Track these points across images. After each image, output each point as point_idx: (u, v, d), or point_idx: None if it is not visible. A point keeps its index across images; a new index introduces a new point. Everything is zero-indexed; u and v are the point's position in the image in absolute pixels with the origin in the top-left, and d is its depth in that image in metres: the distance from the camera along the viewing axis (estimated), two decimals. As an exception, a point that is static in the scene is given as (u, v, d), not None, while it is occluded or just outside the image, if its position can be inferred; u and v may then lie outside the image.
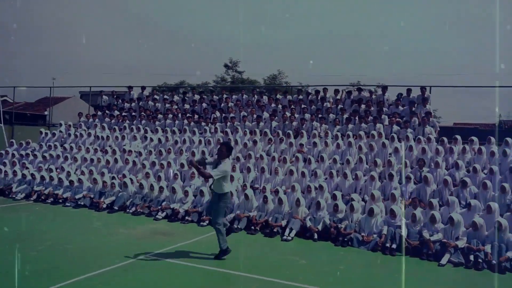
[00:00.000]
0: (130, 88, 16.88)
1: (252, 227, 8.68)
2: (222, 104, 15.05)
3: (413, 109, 12.45)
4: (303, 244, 7.87)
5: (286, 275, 6.08)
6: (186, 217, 9.42)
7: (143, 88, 16.59)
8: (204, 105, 15.34)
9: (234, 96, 15.34)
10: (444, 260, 6.86)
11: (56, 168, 12.68)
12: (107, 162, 12.71)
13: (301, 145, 11.91)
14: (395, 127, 11.97)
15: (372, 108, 12.94)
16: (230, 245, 6.73)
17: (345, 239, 7.85)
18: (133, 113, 15.66)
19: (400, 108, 12.81)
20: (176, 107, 15.57)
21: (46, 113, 28.05)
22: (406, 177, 9.63)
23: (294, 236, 8.18)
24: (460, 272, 6.56)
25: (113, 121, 15.51)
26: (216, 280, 5.90)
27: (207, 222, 8.98)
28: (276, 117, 13.57)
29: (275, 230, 8.43)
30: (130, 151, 13.09)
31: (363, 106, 13.16)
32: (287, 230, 8.24)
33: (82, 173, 11.94)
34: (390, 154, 10.92)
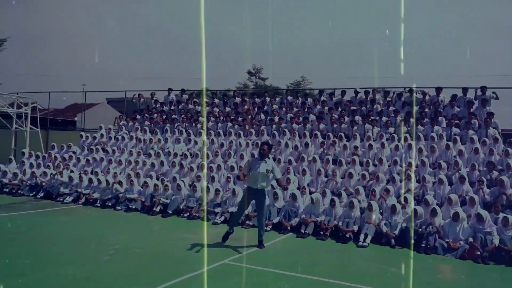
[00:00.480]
0: (170, 90, 16.63)
1: (321, 233, 8.22)
2: (266, 107, 14.68)
3: (471, 110, 11.90)
4: (383, 251, 7.37)
5: (384, 283, 5.61)
6: (247, 222, 9.00)
7: (182, 91, 16.31)
8: (246, 107, 15.00)
9: (277, 99, 14.97)
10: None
11: (101, 171, 12.44)
12: (152, 165, 12.42)
13: (356, 147, 11.43)
14: (455, 129, 11.42)
15: (426, 110, 12.41)
16: (304, 251, 6.96)
17: (428, 246, 7.32)
18: (174, 116, 15.37)
19: (456, 109, 12.27)
20: (217, 109, 15.24)
21: (76, 119, 28.08)
22: (478, 181, 9.06)
23: (369, 243, 7.68)
24: None
25: (153, 124, 15.25)
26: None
27: (270, 227, 8.59)
28: (323, 119, 13.14)
29: (347, 235, 7.95)
30: (175, 153, 12.79)
31: (415, 108, 12.65)
32: (362, 236, 7.76)
33: (129, 176, 11.63)
34: (454, 156, 10.39)
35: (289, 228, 8.58)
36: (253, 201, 7.54)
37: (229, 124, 14.04)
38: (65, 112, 29.64)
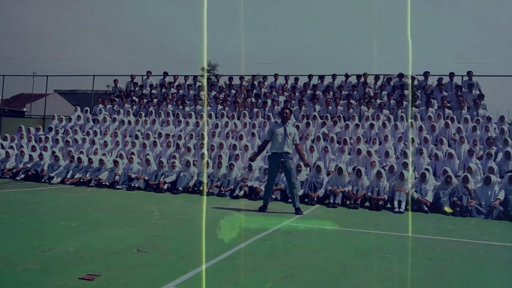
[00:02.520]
0: (149, 73, 15.78)
1: (352, 202, 8.14)
2: (255, 90, 14.42)
3: (459, 93, 12.50)
4: (420, 215, 7.42)
5: (455, 233, 5.62)
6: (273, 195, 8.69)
7: (165, 74, 15.55)
8: (233, 91, 14.65)
9: (266, 83, 14.78)
10: None
11: (83, 152, 11.48)
12: (144, 145, 11.69)
13: (357, 125, 11.56)
14: (447, 111, 11.93)
15: (418, 93, 12.87)
16: (348, 216, 6.94)
17: (463, 210, 7.49)
18: (155, 99, 14.62)
19: (445, 93, 12.83)
20: (203, 92, 14.73)
21: (25, 109, 25.83)
22: (487, 154, 9.49)
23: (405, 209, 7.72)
24: None
25: (135, 106, 14.40)
26: (395, 241, 5.21)
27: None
28: (317, 102, 13.16)
29: (380, 203, 7.93)
30: (168, 134, 12.13)
31: (406, 91, 13.06)
32: (396, 203, 7.77)
33: (121, 156, 10.81)
34: (454, 134, 10.84)
35: (315, 199, 8.40)
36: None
37: (220, 106, 13.60)
38: (11, 102, 27.16)
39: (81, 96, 29.57)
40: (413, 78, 13.57)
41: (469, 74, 13.06)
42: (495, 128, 10.97)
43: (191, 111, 13.73)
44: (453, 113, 11.81)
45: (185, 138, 12.15)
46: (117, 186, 9.69)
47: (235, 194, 8.88)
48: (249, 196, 8.91)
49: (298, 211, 6.91)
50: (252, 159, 7.74)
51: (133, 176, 9.83)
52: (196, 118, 13.30)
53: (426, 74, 13.41)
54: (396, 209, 7.65)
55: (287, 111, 7.31)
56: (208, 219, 6.11)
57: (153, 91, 15.38)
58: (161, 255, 3.88)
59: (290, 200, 8.24)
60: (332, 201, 8.16)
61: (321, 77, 14.37)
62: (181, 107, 13.93)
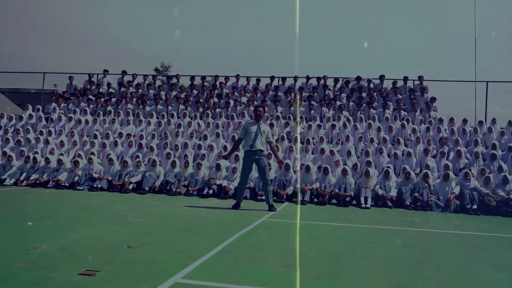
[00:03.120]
0: (105, 72, 15.26)
1: (320, 198, 8.39)
2: (217, 90, 14.39)
3: (412, 96, 13.22)
4: (385, 211, 7.77)
5: (422, 225, 5.97)
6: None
7: (123, 73, 15.11)
8: (194, 91, 14.54)
9: (228, 83, 14.80)
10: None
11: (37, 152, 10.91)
12: (103, 145, 11.31)
13: (319, 126, 11.90)
14: (403, 112, 12.58)
15: (375, 95, 13.45)
16: (319, 212, 7.16)
17: (424, 204, 7.94)
18: (113, 98, 14.18)
19: (399, 96, 13.51)
20: (163, 92, 14.48)
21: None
22: (440, 153, 10.13)
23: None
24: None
25: (91, 105, 13.87)
26: (373, 233, 5.43)
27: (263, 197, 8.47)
28: (279, 103, 13.38)
29: (347, 199, 8.22)
30: (129, 134, 11.82)
31: (363, 94, 13.63)
32: (362, 199, 8.09)
33: (79, 156, 10.38)
34: (409, 134, 11.44)
35: (285, 197, 8.54)
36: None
37: (181, 106, 13.45)
38: None
39: (24, 95, 27.94)
40: (369, 81, 14.18)
41: (420, 78, 13.84)
42: (445, 129, 11.71)
43: (152, 110, 13.45)
44: (408, 115, 12.47)
45: (147, 137, 11.89)
46: (78, 187, 9.28)
47: (204, 193, 8.83)
48: (218, 195, 8.89)
49: (272, 208, 7.00)
50: (225, 157, 7.75)
51: (95, 176, 9.47)
52: (158, 118, 13.05)
53: (381, 78, 14.05)
54: (363, 205, 7.97)
55: (261, 109, 7.39)
56: (186, 216, 6.05)
57: (111, 90, 14.90)
58: (154, 251, 3.81)
59: (259, 197, 8.37)
60: (301, 198, 8.34)
61: (283, 79, 14.61)
62: (141, 106, 13.61)
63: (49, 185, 9.46)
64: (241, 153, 9.63)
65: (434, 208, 7.91)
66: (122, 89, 14.85)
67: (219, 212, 6.62)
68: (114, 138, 11.76)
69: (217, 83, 14.73)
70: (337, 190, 8.41)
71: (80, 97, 14.23)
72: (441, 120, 11.93)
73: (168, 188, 9.14)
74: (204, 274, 3.15)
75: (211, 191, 8.85)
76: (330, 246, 4.39)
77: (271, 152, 7.74)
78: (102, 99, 14.01)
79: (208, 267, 3.36)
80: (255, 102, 13.54)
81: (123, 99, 13.82)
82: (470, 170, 9.01)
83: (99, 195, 8.54)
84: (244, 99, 13.69)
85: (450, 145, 10.90)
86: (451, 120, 11.94)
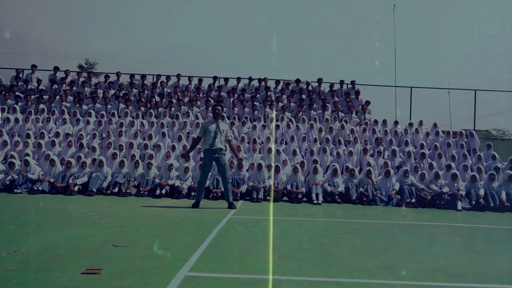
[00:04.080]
0: (34, 67, 14.21)
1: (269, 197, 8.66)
2: (158, 90, 14.11)
3: (348, 99, 14.08)
4: (335, 206, 8.24)
5: (375, 217, 6.47)
6: (193, 193, 8.71)
7: (56, 69, 14.19)
8: (134, 90, 14.13)
9: (169, 83, 14.58)
10: (459, 206, 8.22)
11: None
12: (39, 145, 10.59)
13: (264, 126, 12.22)
14: (341, 114, 13.35)
15: (314, 97, 14.10)
16: (275, 209, 7.47)
17: (369, 199, 8.55)
18: (45, 96, 13.28)
19: (336, 98, 14.30)
20: (100, 90, 13.86)
21: None
22: (378, 152, 10.95)
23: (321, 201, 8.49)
24: (474, 212, 7.97)
25: (20, 103, 12.87)
26: (337, 225, 5.75)
27: (220, 194, 8.55)
28: (223, 103, 13.48)
29: (299, 196, 8.58)
30: (68, 134, 11.21)
31: (303, 96, 14.22)
32: (313, 195, 8.49)
33: (12, 157, 9.65)
34: (348, 135, 12.18)
35: (239, 195, 8.69)
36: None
37: (122, 105, 13.00)
38: None
39: None
40: (307, 84, 14.82)
41: (353, 83, 14.76)
42: (380, 130, 12.64)
43: (90, 109, 12.83)
44: (345, 117, 13.25)
45: (87, 137, 11.33)
46: (16, 190, 8.61)
47: (156, 193, 8.66)
48: (171, 195, 8.79)
49: (231, 206, 7.10)
50: (184, 156, 7.69)
51: (33, 177, 8.84)
52: (97, 116, 12.48)
53: (319, 81, 14.75)
54: (315, 201, 8.38)
55: (219, 107, 7.44)
56: (152, 216, 5.95)
57: (41, 87, 13.92)
58: (143, 248, 3.76)
59: (215, 195, 8.43)
60: (255, 196, 8.54)
61: (226, 80, 14.72)
62: (77, 105, 12.91)
63: (-20, 189, 8.66)
64: (192, 153, 9.64)
65: (378, 203, 8.56)
66: (55, 86, 13.96)
67: (183, 211, 6.58)
68: (49, 137, 11.08)
69: (159, 82, 14.44)
70: (289, 187, 8.74)
71: (7, 94, 13.14)
72: (376, 122, 12.85)
73: (117, 189, 8.84)
74: (207, 267, 3.20)
75: (163, 191, 8.71)
76: (308, 237, 4.63)
77: (231, 151, 7.84)
78: (32, 97, 13.06)
79: (207, 260, 3.40)
80: (198, 102, 13.54)
81: (57, 97, 13.02)
82: (404, 167, 9.86)
83: (44, 198, 8.00)
84: (186, 99, 13.58)
85: (384, 145, 11.79)
86: (384, 122, 12.91)
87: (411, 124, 12.74)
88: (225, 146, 7.81)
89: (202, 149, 7.37)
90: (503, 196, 8.43)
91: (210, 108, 11.74)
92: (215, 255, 3.61)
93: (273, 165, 9.06)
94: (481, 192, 8.55)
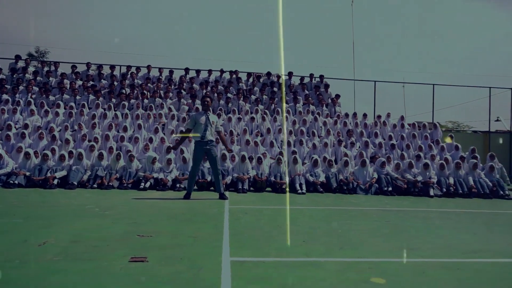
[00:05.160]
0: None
1: (258, 185, 8.85)
2: (127, 80, 13.80)
3: (318, 92, 14.49)
4: (319, 195, 8.55)
5: (363, 204, 6.84)
6: (178, 185, 8.72)
7: (17, 57, 13.48)
8: (103, 81, 13.75)
9: (139, 74, 14.30)
10: (432, 193, 8.81)
11: None
12: (7, 137, 10.12)
13: (239, 119, 12.34)
14: (312, 106, 13.72)
15: (285, 90, 14.38)
16: (264, 198, 7.77)
17: (350, 188, 8.95)
18: (6, 85, 12.62)
19: (306, 91, 14.66)
20: (67, 81, 13.36)
21: None
22: (350, 143, 11.43)
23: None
24: (446, 199, 8.58)
25: (-21, 93, 12.16)
26: (333, 213, 5.99)
27: (206, 184, 8.62)
28: (195, 95, 13.46)
29: (283, 187, 8.81)
30: (39, 126, 10.77)
31: (274, 88, 14.47)
32: (297, 186, 8.76)
33: (-20, 150, 9.17)
34: (321, 127, 12.58)
35: (224, 185, 8.78)
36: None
37: (92, 96, 12.62)
38: None
39: None
40: (278, 77, 15.08)
41: (321, 77, 15.19)
42: (350, 122, 13.14)
43: (57, 100, 12.36)
44: (316, 109, 13.64)
45: (58, 129, 10.93)
46: (-11, 185, 8.23)
47: (141, 186, 8.56)
48: (154, 187, 8.73)
49: (223, 196, 7.21)
50: (174, 147, 7.64)
51: (7, 171, 8.47)
52: (65, 108, 12.04)
53: (290, 74, 15.05)
54: (299, 191, 8.65)
55: (208, 99, 7.46)
56: (152, 207, 5.94)
57: (1, 76, 13.18)
58: (171, 238, 3.80)
59: (197, 184, 8.49)
60: (240, 186, 8.68)
61: (197, 71, 14.65)
62: (44, 95, 12.39)
63: None
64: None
65: (358, 191, 8.97)
66: (15, 75, 13.28)
67: (179, 202, 6.61)
68: (16, 129, 10.60)
69: (129, 73, 14.13)
70: (273, 178, 8.96)
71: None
72: (347, 115, 13.34)
73: (99, 182, 8.66)
74: (244, 253, 3.32)
75: (148, 184, 8.64)
76: (316, 224, 4.86)
77: (220, 141, 7.92)
78: (-8, 86, 12.36)
79: (239, 247, 3.52)
80: (170, 94, 13.40)
81: (20, 87, 12.41)
82: (381, 158, 10.38)
83: (24, 191, 7.68)
84: (162, 91, 13.40)
85: (355, 137, 12.30)
86: (354, 114, 13.43)
87: (379, 117, 13.34)
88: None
89: (193, 141, 7.39)
90: (471, 182, 9.12)
91: (199, 100, 11.65)
92: (243, 241, 3.74)
93: (285, 154, 9.27)
94: (451, 180, 9.20)
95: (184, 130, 7.63)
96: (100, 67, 14.06)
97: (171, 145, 8.73)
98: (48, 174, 8.51)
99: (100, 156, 9.09)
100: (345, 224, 4.90)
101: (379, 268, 3.01)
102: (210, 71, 14.64)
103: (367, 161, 9.51)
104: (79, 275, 2.65)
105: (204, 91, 13.66)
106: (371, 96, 16.16)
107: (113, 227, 4.23)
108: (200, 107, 11.86)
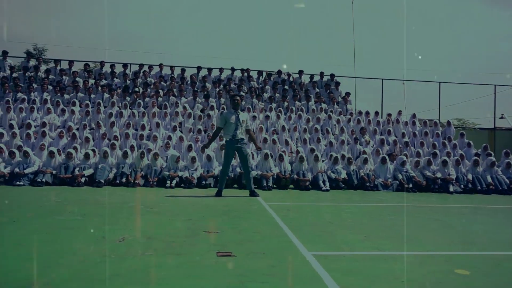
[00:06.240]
0: (5, 53, 13.38)
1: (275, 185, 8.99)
2: (140, 79, 13.85)
3: (328, 90, 14.64)
4: (342, 191, 8.71)
5: (391, 201, 7.00)
6: (203, 182, 8.83)
7: (29, 55, 13.45)
8: (116, 80, 13.78)
9: (152, 72, 14.35)
10: (451, 189, 9.01)
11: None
12: (27, 136, 10.14)
13: (254, 117, 12.45)
14: (323, 105, 13.87)
15: (296, 88, 14.51)
16: (292, 195, 8.00)
17: (371, 185, 9.11)
18: (19, 84, 12.60)
19: (317, 89, 14.81)
20: (79, 79, 13.37)
21: None
22: (365, 141, 11.59)
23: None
24: (466, 195, 8.79)
25: (-5, 91, 12.13)
26: (363, 209, 6.14)
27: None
28: (208, 95, 13.54)
29: (307, 184, 8.95)
30: (58, 125, 10.80)
31: (286, 87, 14.59)
32: (321, 183, 8.91)
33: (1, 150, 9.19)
34: (334, 125, 12.73)
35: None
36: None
37: (106, 95, 12.66)
38: None
39: None
40: (288, 75, 15.20)
41: (332, 75, 15.33)
42: (363, 120, 13.29)
43: (72, 98, 12.37)
44: (328, 107, 13.79)
45: (77, 128, 10.96)
46: (18, 182, 8.25)
47: (167, 185, 8.63)
48: (179, 185, 8.80)
49: (254, 193, 7.33)
50: (206, 146, 7.68)
51: (34, 169, 8.51)
52: (81, 106, 12.07)
53: (300, 72, 15.18)
54: (324, 188, 8.80)
55: (238, 98, 7.55)
56: (194, 205, 6.04)
57: (15, 74, 13.16)
58: (236, 233, 3.92)
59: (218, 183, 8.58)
60: (265, 184, 8.81)
61: (209, 70, 14.73)
62: (58, 94, 12.40)
63: (-25, 183, 8.20)
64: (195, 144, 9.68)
65: (380, 188, 9.14)
66: (28, 74, 13.27)
67: (215, 200, 6.71)
68: (35, 127, 10.62)
69: (141, 71, 14.16)
70: (295, 176, 9.09)
71: (-22, 82, 12.31)
72: (360, 113, 13.51)
73: (124, 180, 8.73)
74: (317, 247, 3.46)
75: (174, 182, 8.72)
76: (361, 220, 5.01)
77: (250, 140, 8.02)
78: (6, 85, 12.34)
79: (308, 241, 3.65)
80: (184, 92, 13.47)
81: (33, 85, 12.40)
82: (401, 157, 10.56)
83: (55, 189, 7.74)
84: (174, 89, 13.46)
85: (368, 134, 12.46)
86: (367, 113, 13.60)
87: (389, 115, 13.52)
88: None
89: (224, 139, 7.49)
90: (489, 180, 9.33)
91: (229, 98, 11.61)
92: (309, 237, 3.87)
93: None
94: (469, 176, 9.41)
95: (215, 129, 7.72)
96: (113, 65, 14.07)
97: (205, 144, 8.67)
98: (76, 172, 8.56)
99: (125, 155, 9.15)
100: (387, 219, 5.05)
101: (452, 260, 3.16)
102: (221, 69, 14.72)
103: (387, 158, 9.67)
104: (178, 268, 2.77)
105: (217, 89, 13.73)
106: (370, 95, 16.36)
107: (174, 224, 4.33)
108: (225, 107, 12.12)
